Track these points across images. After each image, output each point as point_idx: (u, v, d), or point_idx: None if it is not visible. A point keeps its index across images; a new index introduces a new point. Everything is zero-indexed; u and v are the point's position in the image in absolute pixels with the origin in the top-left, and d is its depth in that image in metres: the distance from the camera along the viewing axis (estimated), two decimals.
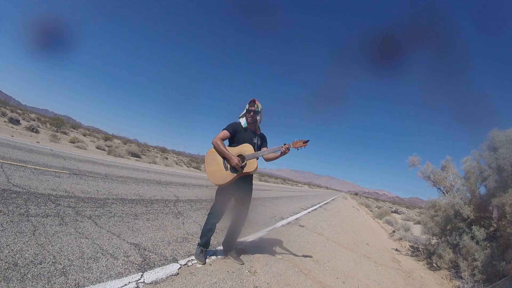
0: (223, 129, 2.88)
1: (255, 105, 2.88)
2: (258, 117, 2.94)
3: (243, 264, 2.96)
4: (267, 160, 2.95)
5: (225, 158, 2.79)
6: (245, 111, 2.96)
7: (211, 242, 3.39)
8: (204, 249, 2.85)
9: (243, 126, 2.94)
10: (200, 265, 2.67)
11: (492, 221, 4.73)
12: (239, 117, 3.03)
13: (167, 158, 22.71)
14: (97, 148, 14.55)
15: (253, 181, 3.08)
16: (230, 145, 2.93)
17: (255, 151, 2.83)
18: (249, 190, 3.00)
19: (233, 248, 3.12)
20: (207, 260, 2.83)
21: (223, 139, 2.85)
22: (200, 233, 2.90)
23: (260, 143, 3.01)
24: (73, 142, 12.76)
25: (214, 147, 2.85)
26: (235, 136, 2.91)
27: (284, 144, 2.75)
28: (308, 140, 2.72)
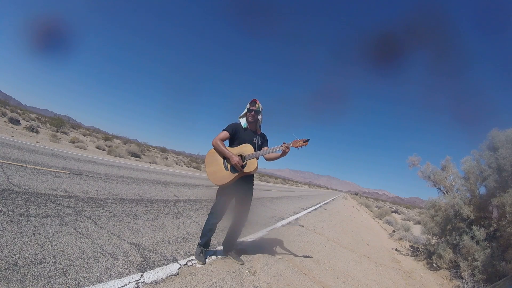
0: (223, 130, 2.89)
1: (256, 105, 2.89)
2: (259, 117, 2.94)
3: (243, 264, 2.96)
4: (268, 160, 2.94)
5: (225, 157, 2.79)
6: (245, 110, 2.96)
7: (211, 242, 3.39)
8: (204, 249, 2.85)
9: (243, 127, 2.93)
10: (200, 265, 2.67)
11: (492, 221, 4.73)
12: (240, 117, 3.02)
13: (167, 158, 22.71)
14: (97, 148, 14.55)
15: (253, 181, 3.08)
16: (230, 146, 2.93)
17: (255, 151, 2.82)
18: (249, 190, 2.99)
19: (233, 248, 3.11)
20: (207, 260, 2.83)
21: (223, 140, 2.85)
22: (201, 233, 2.90)
23: (261, 143, 3.00)
24: (73, 142, 12.76)
25: (214, 148, 2.85)
26: (235, 136, 2.91)
27: (284, 143, 2.74)
28: (309, 139, 2.71)
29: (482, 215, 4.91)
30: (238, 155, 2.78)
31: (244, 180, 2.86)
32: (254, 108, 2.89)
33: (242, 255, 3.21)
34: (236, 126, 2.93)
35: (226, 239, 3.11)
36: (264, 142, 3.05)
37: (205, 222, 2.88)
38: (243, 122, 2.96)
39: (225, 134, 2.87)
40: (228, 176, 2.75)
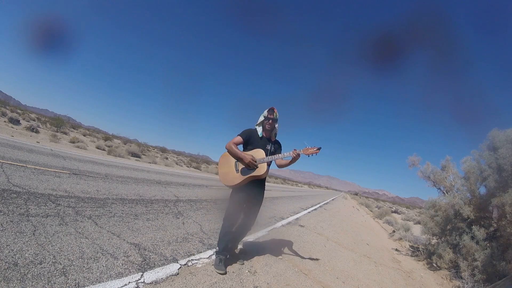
0: (238, 135, 2.93)
1: (274, 113, 2.92)
2: (276, 125, 2.97)
3: (243, 264, 2.96)
4: (279, 166, 2.97)
5: (238, 158, 2.83)
6: (263, 118, 2.96)
7: (211, 242, 3.40)
8: (223, 257, 2.77)
9: (260, 136, 2.95)
10: (200, 265, 2.67)
11: (492, 221, 4.73)
12: (256, 125, 3.03)
13: (167, 158, 22.72)
14: (97, 148, 14.55)
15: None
16: (244, 151, 2.97)
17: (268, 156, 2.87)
18: (260, 195, 2.99)
19: (234, 249, 3.11)
20: (207, 260, 2.83)
21: (236, 144, 2.89)
22: (218, 239, 2.88)
23: (274, 149, 3.01)
24: (73, 142, 12.76)
25: (227, 150, 2.89)
26: (249, 142, 2.94)
27: (295, 150, 2.76)
28: (320, 148, 2.71)
29: (482, 215, 4.91)
30: None
31: (255, 185, 2.88)
32: (272, 116, 2.91)
33: (242, 255, 3.21)
34: (250, 132, 2.96)
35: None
36: (277, 149, 3.05)
37: (221, 226, 2.87)
38: (259, 130, 2.97)
39: (239, 139, 2.90)
40: (238, 178, 2.80)
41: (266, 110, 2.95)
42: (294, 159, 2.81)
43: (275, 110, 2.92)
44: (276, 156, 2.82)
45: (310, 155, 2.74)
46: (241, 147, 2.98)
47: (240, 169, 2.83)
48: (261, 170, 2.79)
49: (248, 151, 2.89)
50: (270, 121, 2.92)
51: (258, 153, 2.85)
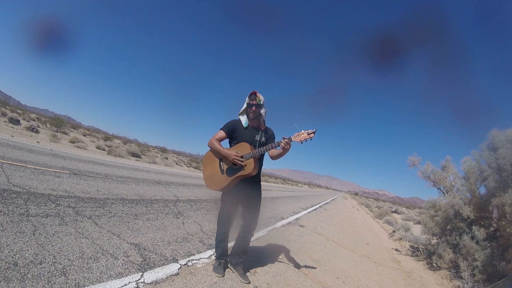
0: (220, 129, 2.64)
1: (257, 98, 2.55)
2: (261, 111, 2.60)
3: (250, 283, 2.66)
4: (272, 157, 2.61)
5: (221, 156, 2.56)
6: (245, 105, 2.61)
7: (211, 242, 3.39)
8: (222, 261, 2.65)
9: (245, 126, 2.62)
10: (200, 265, 2.67)
11: (492, 221, 4.73)
12: (239, 114, 2.70)
13: (167, 158, 22.71)
14: (97, 148, 14.54)
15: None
16: (230, 146, 2.71)
17: (256, 149, 2.51)
18: (254, 195, 2.66)
19: (242, 263, 2.74)
20: (207, 260, 2.83)
21: (219, 140, 2.61)
22: (214, 246, 2.75)
23: (265, 139, 2.63)
24: (73, 142, 12.76)
25: (209, 148, 2.65)
26: (234, 135, 2.63)
27: (284, 139, 2.36)
28: (315, 131, 2.30)
29: (482, 215, 4.92)
30: None
31: (247, 184, 2.56)
32: (254, 102, 2.54)
33: (242, 255, 3.20)
34: (234, 124, 2.64)
35: (233, 251, 2.76)
36: (269, 138, 2.68)
37: (216, 233, 2.72)
38: (243, 120, 2.63)
39: (222, 133, 2.61)
40: (224, 180, 2.51)
41: (248, 96, 2.59)
42: (284, 149, 2.38)
43: (258, 94, 2.55)
44: (263, 148, 2.44)
45: (304, 141, 2.31)
46: (226, 143, 2.68)
47: (225, 169, 2.53)
48: (248, 167, 2.42)
49: (233, 146, 2.59)
50: (253, 107, 2.54)
51: (243, 148, 2.49)
